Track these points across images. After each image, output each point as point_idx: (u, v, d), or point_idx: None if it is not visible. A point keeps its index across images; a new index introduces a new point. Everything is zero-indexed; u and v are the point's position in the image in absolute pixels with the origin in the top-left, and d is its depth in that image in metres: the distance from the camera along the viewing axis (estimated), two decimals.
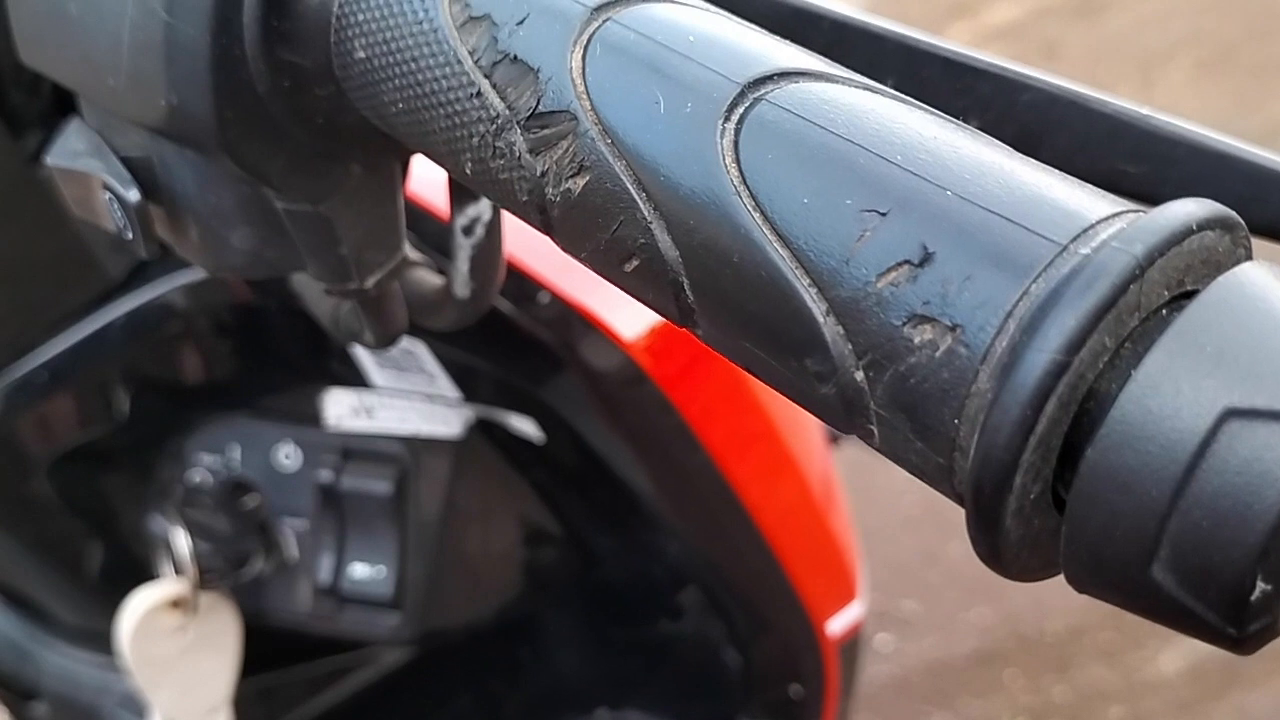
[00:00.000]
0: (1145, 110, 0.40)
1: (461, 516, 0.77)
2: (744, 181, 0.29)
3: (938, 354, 0.26)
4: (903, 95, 0.30)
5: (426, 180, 0.55)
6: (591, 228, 0.32)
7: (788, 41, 0.32)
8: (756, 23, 0.34)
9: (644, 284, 0.32)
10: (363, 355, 0.73)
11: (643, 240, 0.31)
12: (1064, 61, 3.08)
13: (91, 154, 0.43)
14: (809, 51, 0.31)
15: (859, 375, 0.27)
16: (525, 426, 0.74)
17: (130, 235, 0.43)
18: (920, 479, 0.28)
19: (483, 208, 0.48)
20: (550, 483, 0.79)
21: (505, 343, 0.68)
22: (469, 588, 0.82)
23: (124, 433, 0.74)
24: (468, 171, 0.35)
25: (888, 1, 2.94)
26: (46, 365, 0.68)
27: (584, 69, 0.32)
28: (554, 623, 0.88)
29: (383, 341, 0.49)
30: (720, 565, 0.78)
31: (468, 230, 0.48)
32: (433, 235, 0.56)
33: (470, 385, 0.73)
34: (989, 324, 0.25)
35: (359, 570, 0.76)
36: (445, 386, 0.73)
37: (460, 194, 0.48)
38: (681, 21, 0.32)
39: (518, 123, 0.33)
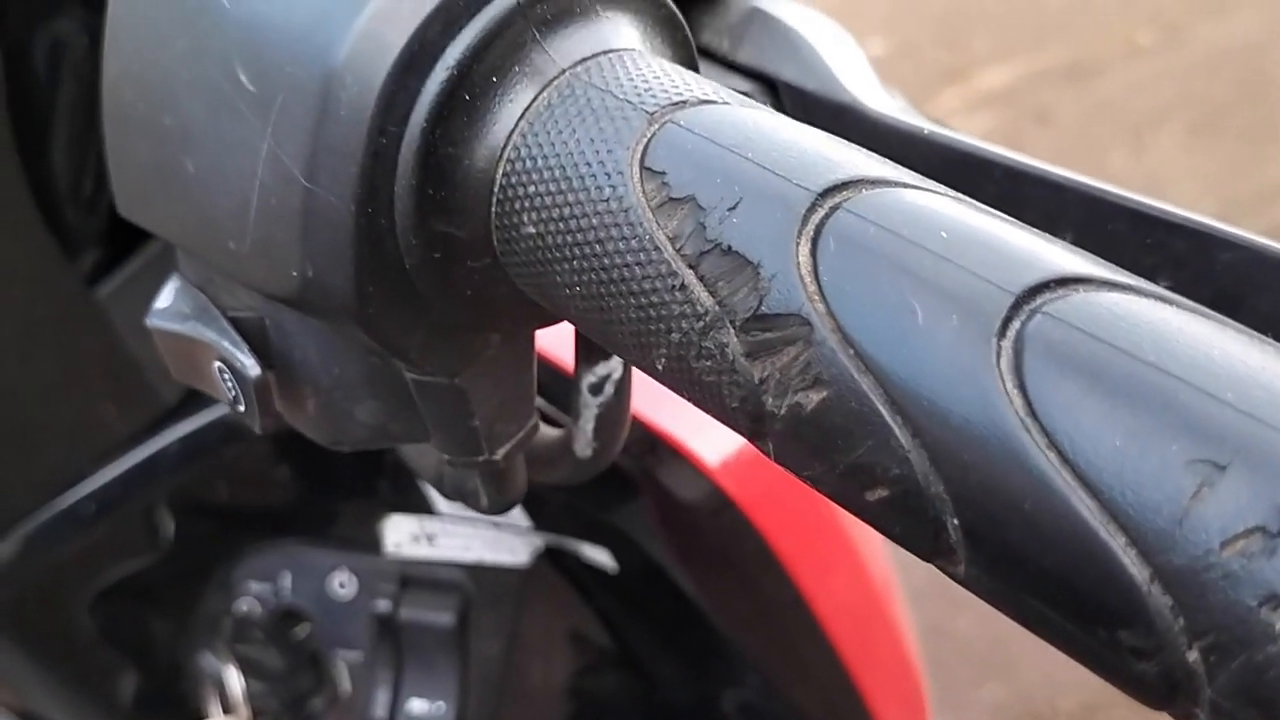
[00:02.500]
0: None
1: (525, 649, 0.73)
2: (1032, 414, 0.25)
3: None
4: (1203, 309, 0.26)
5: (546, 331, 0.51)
6: (826, 448, 0.28)
7: (1062, 243, 0.28)
8: (920, 168, 0.31)
9: (891, 516, 0.28)
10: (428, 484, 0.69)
11: (896, 471, 0.27)
12: (1056, 127, 3.08)
13: (200, 318, 0.40)
14: (1087, 255, 0.28)
15: (1192, 657, 0.23)
16: (597, 555, 0.70)
17: (244, 408, 0.39)
18: None
19: (614, 365, 0.44)
20: (618, 611, 0.75)
21: None
22: None
23: (169, 562, 0.70)
24: (658, 366, 0.31)
25: (878, 68, 2.93)
26: (94, 496, 0.64)
27: (815, 267, 0.28)
28: None
29: (499, 508, 0.45)
30: (797, 697, 0.74)
31: (596, 389, 0.44)
32: (548, 384, 0.52)
33: (541, 512, 0.69)
34: None
35: (417, 706, 0.71)
36: (514, 513, 0.69)
37: (589, 350, 0.44)
38: (925, 212, 0.29)
39: (732, 323, 0.29)
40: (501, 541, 0.70)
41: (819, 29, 0.45)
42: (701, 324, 0.30)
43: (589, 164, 0.32)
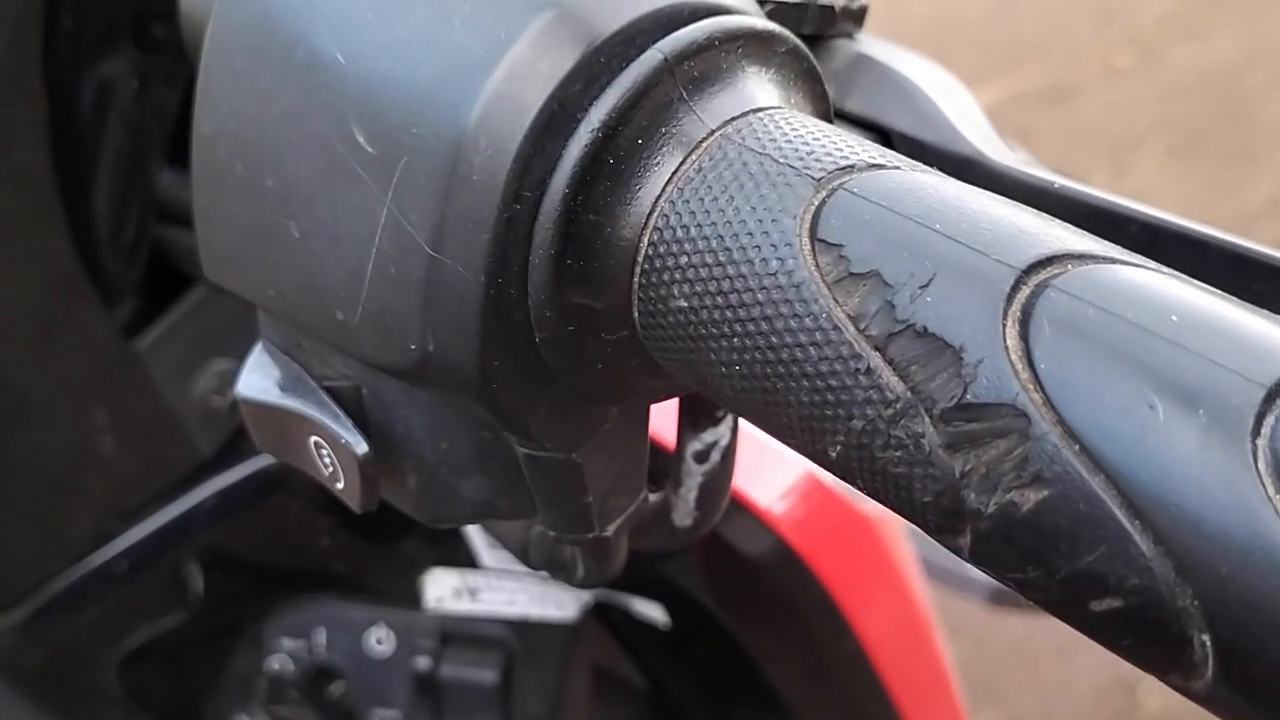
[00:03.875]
0: None
1: (570, 707, 0.70)
2: None
3: None
4: None
5: None
6: (1044, 552, 0.26)
7: None
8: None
9: (1121, 628, 0.25)
10: (473, 533, 0.67)
11: (1134, 581, 0.25)
12: (1036, 149, 3.07)
13: (294, 389, 0.37)
14: None
15: None
16: (648, 609, 0.68)
17: (342, 485, 0.37)
18: None
19: (722, 432, 0.42)
20: (669, 667, 0.72)
21: None
22: None
23: (198, 619, 0.67)
24: (830, 453, 0.29)
25: None
26: (127, 553, 0.60)
27: (1027, 352, 0.26)
28: None
29: (597, 583, 0.43)
30: None
31: (701, 456, 0.42)
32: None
33: None
34: None
35: None
36: None
37: (696, 416, 0.42)
38: (1146, 291, 0.26)
39: (928, 411, 0.27)
40: (548, 596, 0.68)
41: (930, 76, 0.43)
42: (891, 411, 0.27)
43: (750, 234, 0.30)
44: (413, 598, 0.69)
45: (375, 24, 0.32)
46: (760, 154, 0.30)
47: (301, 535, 0.67)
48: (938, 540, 0.29)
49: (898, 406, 0.27)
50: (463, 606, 0.68)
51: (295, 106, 0.33)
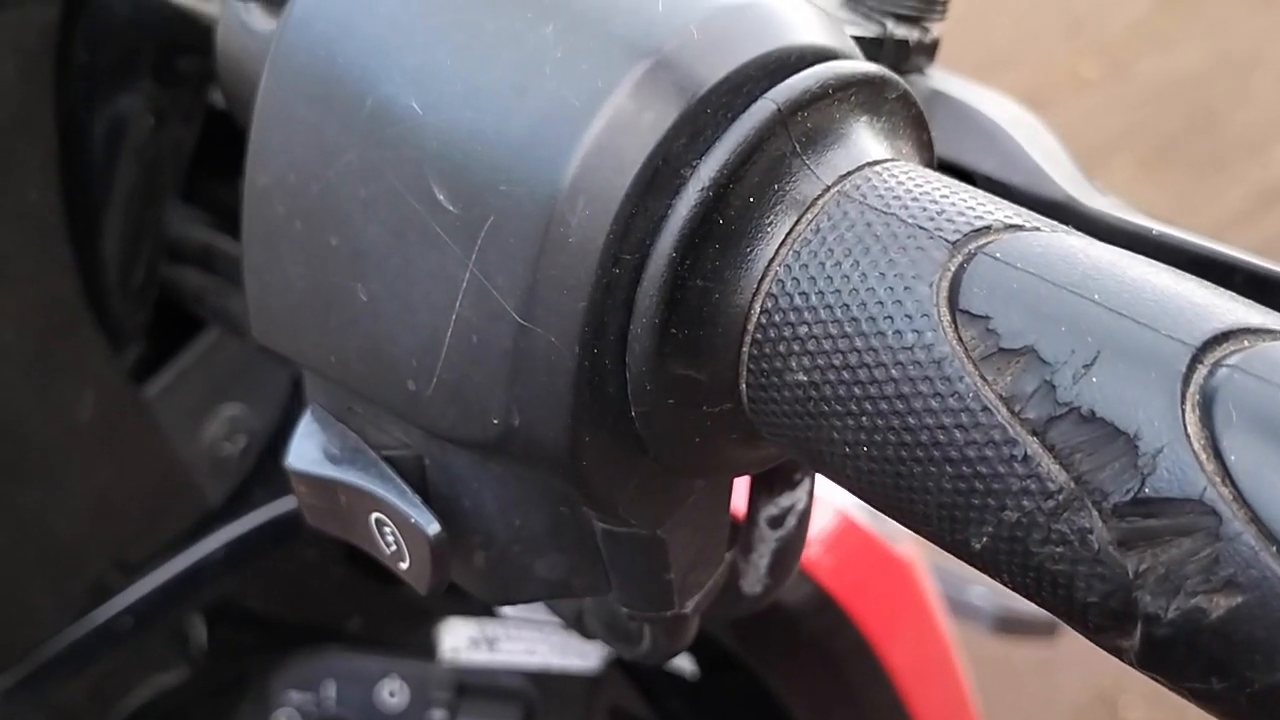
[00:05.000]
0: None
1: None
2: None
3: None
4: None
5: None
6: (1235, 664, 0.23)
7: None
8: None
9: None
10: None
11: None
12: None
13: (353, 461, 0.34)
14: None
15: None
16: (677, 659, 0.65)
17: (407, 565, 0.34)
18: None
19: (799, 496, 0.39)
20: (694, 717, 0.69)
21: None
22: None
23: (202, 674, 0.64)
24: (974, 544, 0.26)
25: None
26: (131, 610, 0.57)
27: (1213, 441, 0.23)
28: None
29: (664, 658, 0.40)
30: None
31: (776, 522, 0.39)
32: None
33: None
34: None
35: None
36: None
37: (772, 481, 0.39)
38: None
39: (1097, 504, 0.24)
40: (570, 646, 0.65)
41: (1009, 113, 0.41)
42: (1052, 503, 0.25)
43: (880, 302, 0.27)
44: (427, 648, 0.66)
45: (455, 71, 0.29)
46: (884, 213, 0.28)
47: (312, 586, 0.64)
48: (1095, 641, 0.26)
49: (1060, 498, 0.25)
50: (480, 657, 0.65)
51: (365, 160, 0.30)
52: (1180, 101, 3.21)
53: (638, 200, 0.28)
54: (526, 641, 0.65)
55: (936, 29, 0.40)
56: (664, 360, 0.29)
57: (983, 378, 0.26)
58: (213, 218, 0.56)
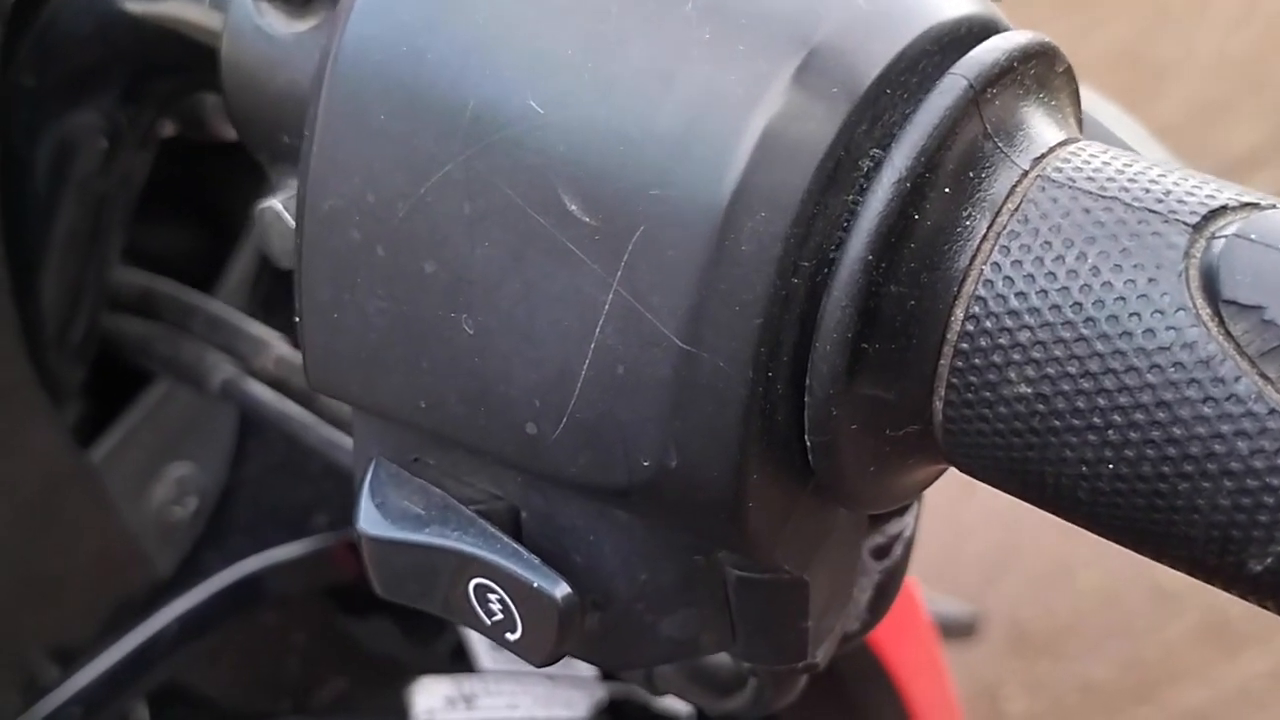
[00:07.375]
0: None
1: None
2: None
3: None
4: None
5: None
6: None
7: None
8: None
9: None
10: (473, 635, 0.59)
11: None
12: None
13: (445, 521, 0.29)
14: None
15: None
16: (670, 700, 0.61)
17: (518, 635, 0.29)
18: None
19: (907, 522, 0.35)
20: None
21: None
22: None
23: None
24: (1253, 568, 0.23)
25: None
26: (79, 698, 0.51)
27: None
28: None
29: (765, 712, 0.36)
30: None
31: (881, 552, 0.35)
32: None
33: None
34: None
35: None
36: (579, 663, 0.59)
37: None
38: None
39: None
40: (556, 696, 0.60)
41: (1118, 119, 0.38)
42: None
43: (1121, 299, 0.23)
44: (399, 711, 0.60)
45: (582, 60, 0.25)
46: (1102, 197, 0.24)
47: (271, 656, 0.58)
48: None
49: None
50: (458, 717, 0.60)
51: (469, 172, 0.26)
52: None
53: (819, 198, 0.24)
54: (507, 695, 0.60)
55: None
56: (853, 380, 0.25)
57: (1264, 376, 0.22)
58: (147, 261, 0.50)
